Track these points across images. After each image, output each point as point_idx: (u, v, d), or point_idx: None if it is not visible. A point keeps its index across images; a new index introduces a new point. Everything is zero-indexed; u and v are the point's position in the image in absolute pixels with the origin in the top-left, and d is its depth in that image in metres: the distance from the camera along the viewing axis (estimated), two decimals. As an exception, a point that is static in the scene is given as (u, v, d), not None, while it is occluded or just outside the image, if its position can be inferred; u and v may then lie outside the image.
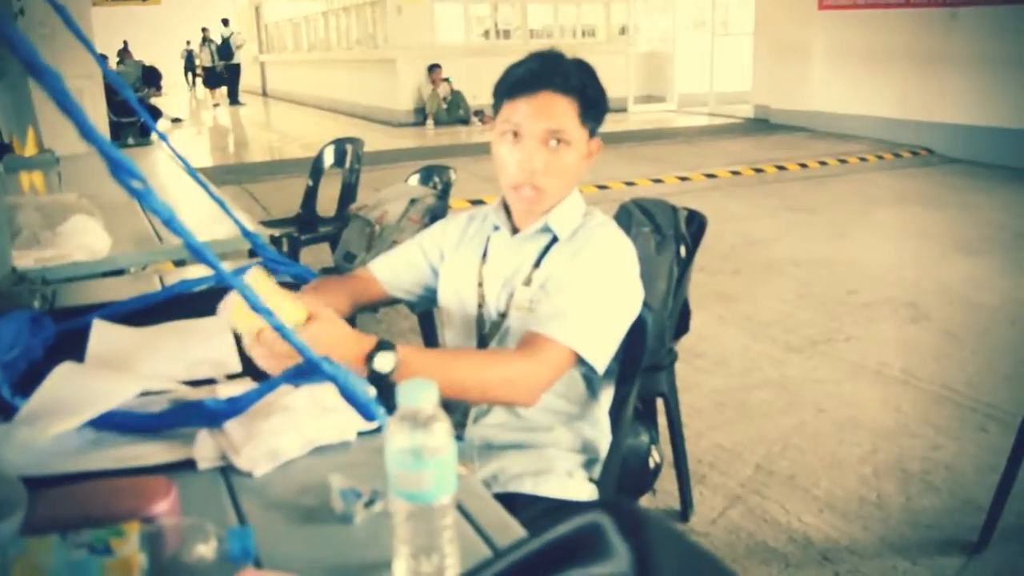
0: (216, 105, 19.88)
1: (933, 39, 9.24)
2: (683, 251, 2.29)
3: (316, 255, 4.61)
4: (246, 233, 1.95)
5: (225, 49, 19.18)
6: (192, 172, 2.13)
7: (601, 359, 1.49)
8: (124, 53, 18.43)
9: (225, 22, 19.77)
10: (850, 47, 10.34)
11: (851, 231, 6.11)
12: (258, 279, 1.18)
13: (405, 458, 0.79)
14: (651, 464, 1.99)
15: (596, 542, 0.53)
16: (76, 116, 0.88)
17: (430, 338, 3.74)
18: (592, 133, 1.58)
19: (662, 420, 2.39)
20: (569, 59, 1.56)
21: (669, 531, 0.53)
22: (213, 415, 1.15)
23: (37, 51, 0.86)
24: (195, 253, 0.96)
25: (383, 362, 1.27)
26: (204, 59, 20.40)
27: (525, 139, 1.52)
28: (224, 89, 20.26)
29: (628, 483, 1.85)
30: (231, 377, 1.40)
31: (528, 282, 1.59)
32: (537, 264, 1.60)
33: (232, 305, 1.20)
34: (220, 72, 20.27)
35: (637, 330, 1.60)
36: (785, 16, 11.39)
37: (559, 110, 1.51)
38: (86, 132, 0.88)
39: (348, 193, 4.20)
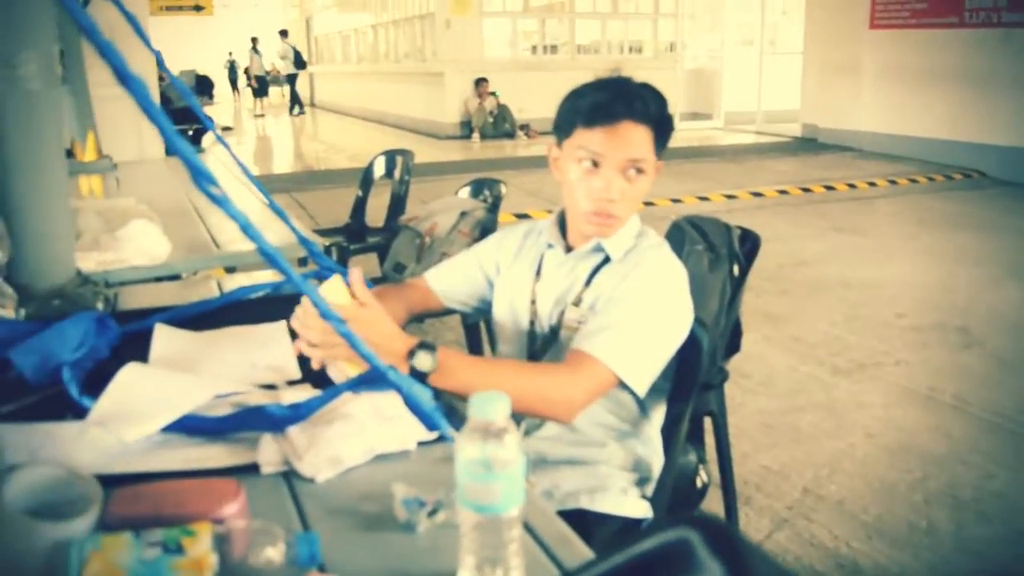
0: (260, 115, 20.15)
1: (986, 59, 9.10)
2: (736, 270, 2.27)
3: (363, 265, 4.64)
4: (303, 240, 1.97)
5: (299, 59, 19.46)
6: (252, 179, 2.17)
7: (642, 383, 1.49)
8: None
9: (284, 33, 20.07)
10: (901, 67, 10.22)
11: (900, 253, 6.03)
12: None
13: (476, 469, 0.80)
14: (698, 484, 1.98)
15: (685, 559, 0.52)
16: (160, 123, 0.91)
17: (475, 350, 3.75)
18: (660, 155, 1.58)
19: (709, 440, 2.37)
20: (640, 85, 1.55)
21: (760, 552, 0.53)
22: (277, 420, 1.16)
23: (125, 61, 0.88)
24: (268, 259, 0.98)
25: (423, 361, 1.30)
26: (255, 68, 20.69)
27: (604, 168, 1.53)
28: (267, 99, 20.59)
29: (675, 502, 1.83)
30: (291, 383, 1.41)
31: (578, 302, 1.59)
32: (588, 283, 1.60)
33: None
34: (268, 82, 20.57)
35: (691, 349, 1.60)
36: (835, 35, 11.29)
37: (638, 139, 1.52)
38: (169, 139, 0.91)
39: (397, 204, 4.23)
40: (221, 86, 24.69)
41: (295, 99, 19.87)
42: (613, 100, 1.52)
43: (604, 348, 1.44)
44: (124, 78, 0.86)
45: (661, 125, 1.54)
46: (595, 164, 1.53)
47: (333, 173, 10.14)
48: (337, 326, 1.02)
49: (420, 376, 1.30)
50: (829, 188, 8.42)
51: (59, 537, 0.85)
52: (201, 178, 0.91)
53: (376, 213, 4.47)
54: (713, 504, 2.61)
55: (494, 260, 1.75)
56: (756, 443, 3.20)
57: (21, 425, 1.21)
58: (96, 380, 1.35)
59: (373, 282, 1.83)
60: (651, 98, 1.53)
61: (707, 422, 2.45)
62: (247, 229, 0.94)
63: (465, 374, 1.35)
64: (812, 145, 11.61)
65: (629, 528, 1.56)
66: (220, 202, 0.92)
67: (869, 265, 5.72)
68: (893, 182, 8.70)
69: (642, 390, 1.49)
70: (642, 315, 1.50)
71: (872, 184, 8.60)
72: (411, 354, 1.31)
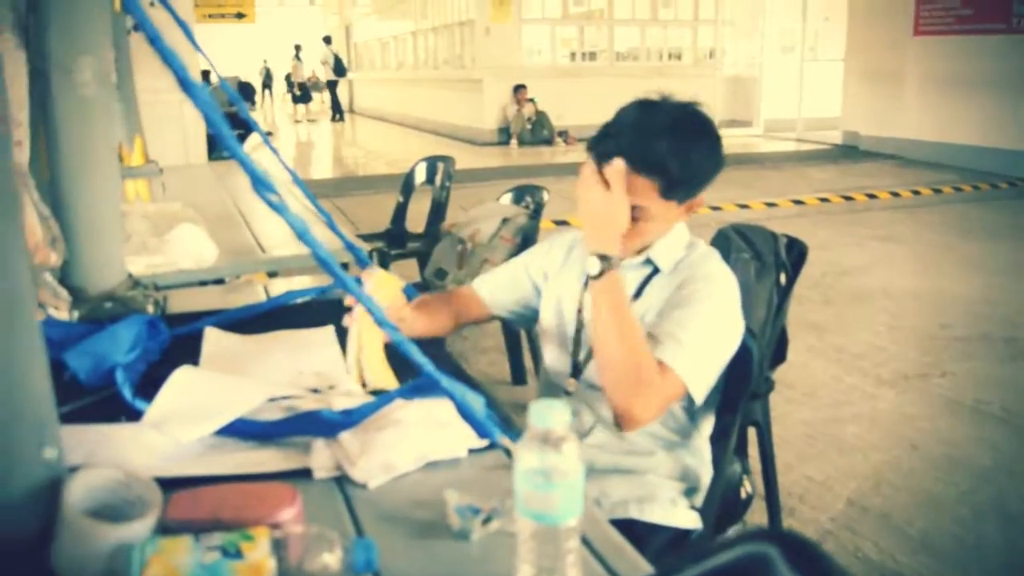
0: (304, 121, 20.37)
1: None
2: (783, 278, 2.25)
3: (403, 270, 4.66)
4: (349, 246, 1.98)
5: (339, 66, 19.66)
6: (300, 184, 2.19)
7: (702, 394, 1.49)
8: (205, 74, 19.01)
9: (327, 40, 20.28)
10: (946, 74, 10.08)
11: (944, 263, 5.93)
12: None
13: (535, 478, 0.79)
14: (743, 494, 1.95)
15: (762, 575, 0.52)
16: (221, 130, 0.91)
17: (516, 357, 3.75)
18: (684, 200, 1.54)
19: (752, 450, 2.34)
20: (666, 129, 1.48)
21: (845, 571, 0.52)
22: (329, 425, 1.17)
23: (186, 69, 0.89)
24: (324, 265, 0.99)
25: (598, 265, 1.44)
26: (298, 75, 20.93)
27: None
28: (308, 106, 20.83)
29: (720, 513, 1.81)
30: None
31: None
32: (638, 295, 1.59)
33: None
34: (310, 89, 20.80)
35: (742, 359, 1.58)
36: (878, 42, 11.16)
37: (638, 188, 1.48)
38: (229, 145, 0.91)
39: (438, 210, 4.24)
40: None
41: (336, 105, 20.06)
42: (621, 147, 1.48)
43: (678, 358, 1.44)
44: (186, 85, 0.87)
45: (671, 178, 1.48)
46: None
47: (372, 179, 10.19)
48: (392, 333, 1.02)
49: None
50: (871, 196, 8.32)
51: (120, 539, 0.86)
52: (260, 185, 0.91)
53: (415, 219, 4.48)
54: (757, 515, 2.58)
55: (542, 267, 1.75)
56: (800, 454, 3.16)
57: (76, 427, 1.23)
58: (148, 382, 1.36)
59: (416, 288, 1.84)
60: (664, 149, 1.47)
61: (750, 432, 2.43)
62: (304, 236, 0.95)
63: (616, 303, 1.43)
64: (854, 153, 11.48)
65: (679, 539, 1.54)
66: (278, 209, 0.93)
67: (913, 275, 5.64)
68: (937, 191, 8.57)
69: (701, 400, 1.49)
70: (704, 324, 1.49)
71: (915, 192, 8.48)
72: (602, 257, 1.43)
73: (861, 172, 9.92)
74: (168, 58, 0.87)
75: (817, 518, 2.72)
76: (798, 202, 8.10)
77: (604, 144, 1.51)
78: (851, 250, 6.27)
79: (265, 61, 25.36)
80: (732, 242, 2.27)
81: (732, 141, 13.27)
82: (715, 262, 1.59)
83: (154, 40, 0.84)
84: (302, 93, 21.02)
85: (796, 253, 2.33)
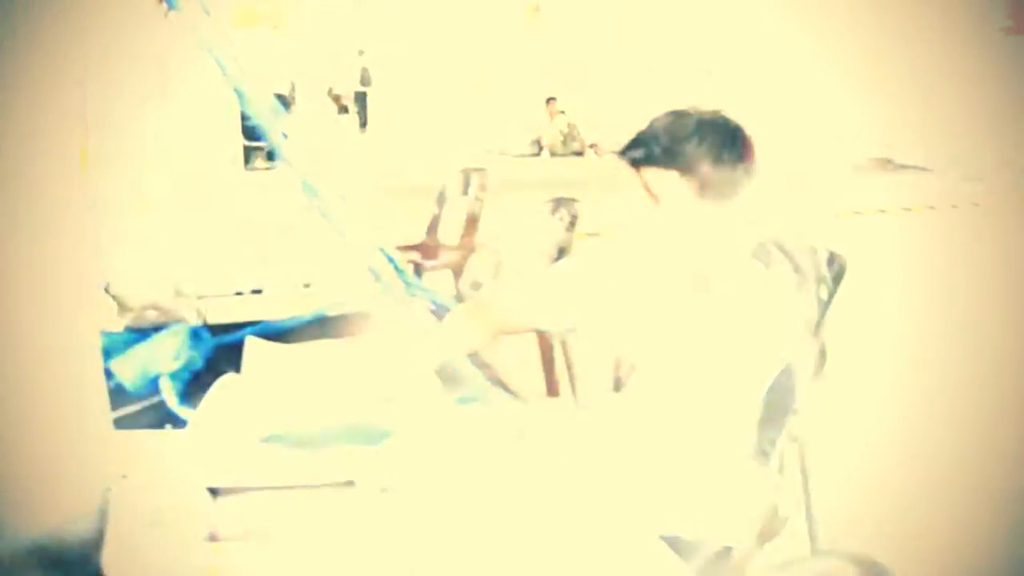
0: (333, 132, 20.52)
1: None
2: (823, 292, 2.22)
3: (438, 282, 4.66)
4: (388, 258, 1.99)
5: (366, 77, 19.83)
6: (335, 194, 2.20)
7: (748, 416, 1.51)
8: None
9: (361, 52, 20.47)
10: (982, 84, 9.95)
11: (982, 276, 5.83)
12: None
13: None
14: (780, 511, 1.93)
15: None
16: (270, 137, 0.92)
17: (549, 368, 3.73)
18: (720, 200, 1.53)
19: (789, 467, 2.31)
20: (695, 130, 1.50)
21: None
22: (374, 436, 1.17)
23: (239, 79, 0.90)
24: (372, 273, 0.99)
25: None
26: (338, 86, 21.09)
27: None
28: (343, 117, 21.01)
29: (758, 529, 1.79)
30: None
31: None
32: None
33: None
34: (346, 100, 20.99)
35: (784, 374, 1.56)
36: (909, 55, 11.05)
37: (674, 190, 1.50)
38: (278, 154, 0.92)
39: (472, 222, 4.24)
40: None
41: (364, 115, 20.18)
42: (650, 151, 1.51)
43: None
44: (240, 96, 0.88)
45: (701, 176, 1.50)
46: None
47: (404, 189, 10.21)
48: (439, 344, 1.02)
49: None
50: (906, 209, 8.23)
51: (170, 546, 0.86)
52: (309, 192, 0.92)
53: (450, 230, 4.47)
54: (793, 533, 2.55)
55: (580, 278, 1.73)
56: (837, 472, 3.10)
57: (123, 433, 1.24)
58: (192, 391, 1.37)
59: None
60: (692, 148, 1.49)
61: (788, 449, 2.39)
62: (351, 243, 0.95)
63: None
64: (888, 165, 11.36)
65: (721, 555, 1.53)
66: (326, 215, 0.94)
67: (952, 288, 5.56)
68: (975, 205, 8.45)
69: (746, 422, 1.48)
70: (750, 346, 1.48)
71: (953, 207, 8.37)
72: None
73: (896, 184, 9.81)
74: (224, 69, 0.88)
75: (851, 539, 2.67)
76: (834, 214, 8.03)
77: (635, 150, 1.52)
78: (887, 264, 6.19)
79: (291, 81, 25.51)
80: (771, 255, 2.25)
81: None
82: (760, 278, 1.58)
83: (210, 51, 0.85)
84: (343, 104, 21.18)
85: (836, 268, 2.30)
